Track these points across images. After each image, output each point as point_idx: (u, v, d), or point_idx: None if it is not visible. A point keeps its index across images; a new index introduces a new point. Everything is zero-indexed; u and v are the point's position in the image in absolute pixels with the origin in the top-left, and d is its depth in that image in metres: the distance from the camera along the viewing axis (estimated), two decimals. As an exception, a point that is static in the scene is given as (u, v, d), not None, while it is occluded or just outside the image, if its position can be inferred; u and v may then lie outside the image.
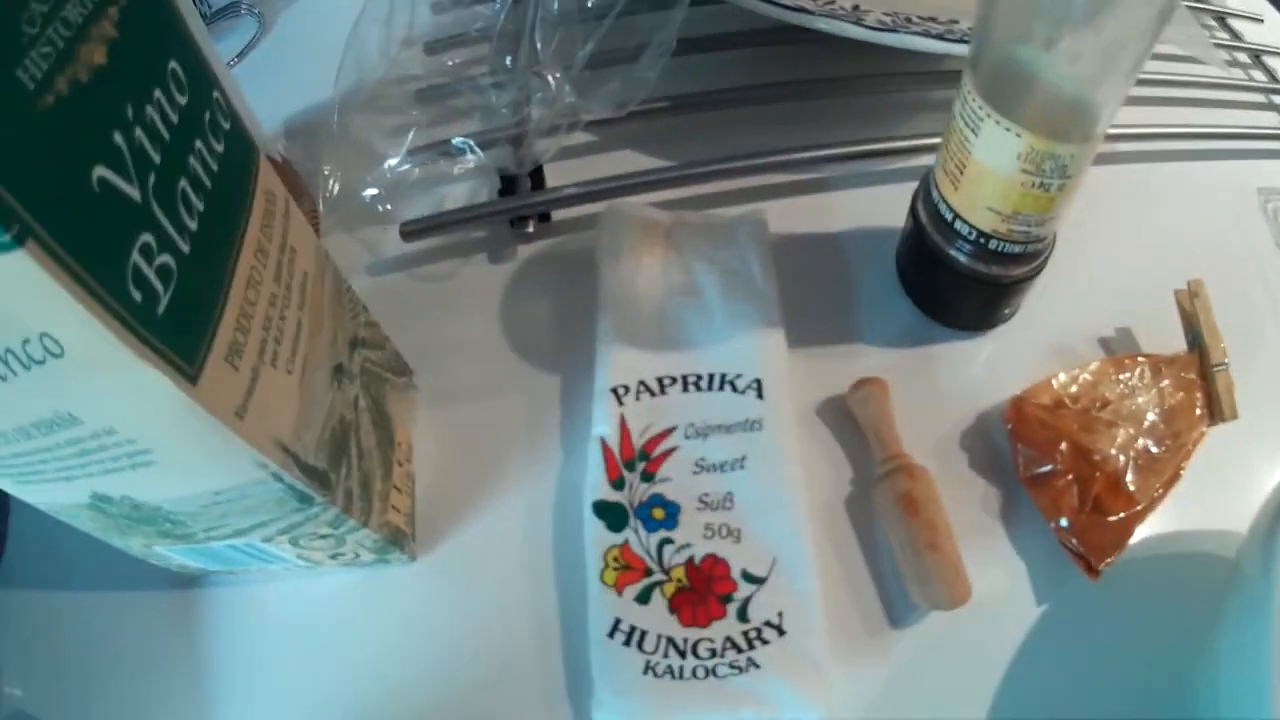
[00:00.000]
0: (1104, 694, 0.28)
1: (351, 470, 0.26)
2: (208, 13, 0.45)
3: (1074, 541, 0.29)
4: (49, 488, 0.21)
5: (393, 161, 0.37)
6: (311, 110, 0.41)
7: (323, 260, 0.26)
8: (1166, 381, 0.33)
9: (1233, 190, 0.41)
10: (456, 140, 0.36)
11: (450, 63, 0.40)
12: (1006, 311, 0.34)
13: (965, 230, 0.30)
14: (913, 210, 0.33)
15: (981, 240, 0.30)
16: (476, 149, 0.36)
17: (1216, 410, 0.33)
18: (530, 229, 0.35)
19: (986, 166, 0.28)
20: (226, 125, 0.21)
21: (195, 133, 0.19)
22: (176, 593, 0.28)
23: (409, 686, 0.27)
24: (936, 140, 0.31)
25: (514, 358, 0.33)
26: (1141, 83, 0.42)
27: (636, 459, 0.29)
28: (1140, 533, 0.31)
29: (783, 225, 0.35)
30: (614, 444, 0.29)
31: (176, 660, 0.27)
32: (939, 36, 0.33)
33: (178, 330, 0.17)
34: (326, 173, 0.37)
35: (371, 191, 0.36)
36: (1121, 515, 0.30)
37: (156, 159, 0.17)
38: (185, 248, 0.18)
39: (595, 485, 0.28)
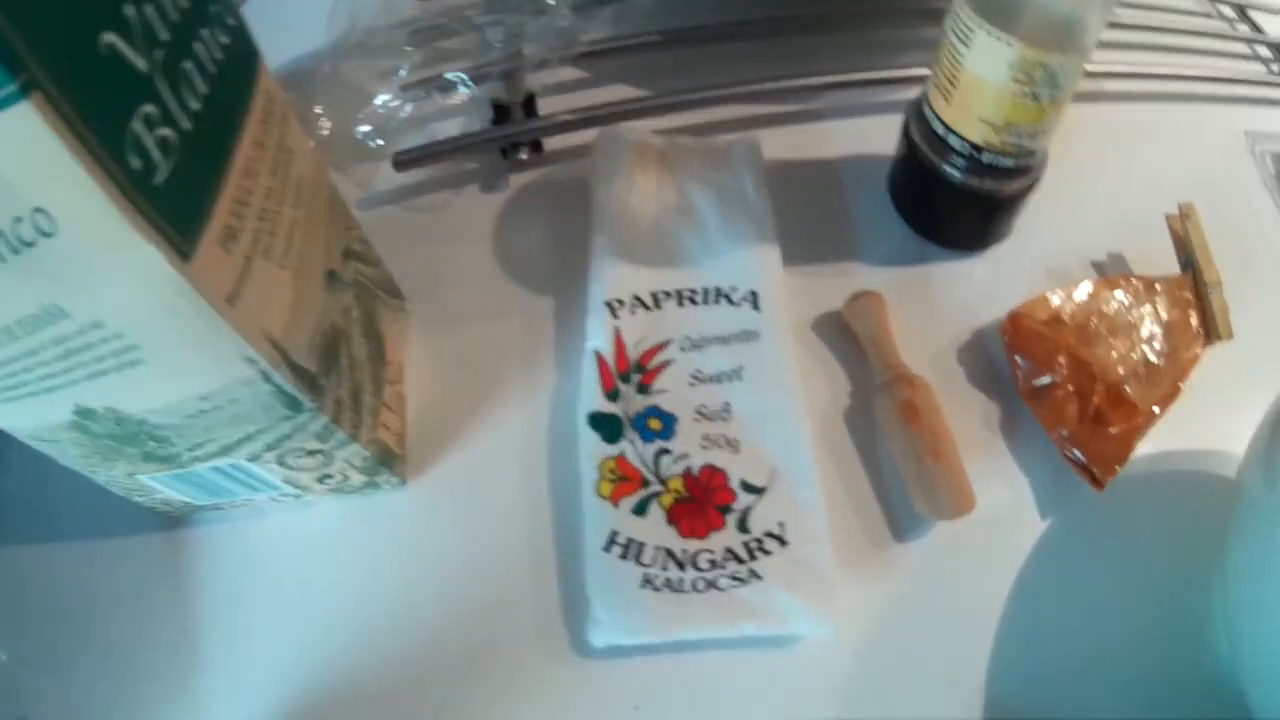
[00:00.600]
0: (1109, 608, 0.27)
1: (342, 379, 0.25)
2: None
3: (1076, 453, 0.29)
4: (31, 404, 0.20)
5: (385, 98, 0.36)
6: (305, 56, 0.41)
7: (320, 169, 0.26)
8: (1161, 301, 0.33)
9: (1221, 132, 0.42)
10: (449, 75, 0.36)
11: (445, 4, 0.40)
12: (1001, 229, 0.34)
13: (958, 144, 0.30)
14: (905, 131, 0.33)
15: (975, 153, 0.30)
16: (469, 82, 0.36)
17: (1212, 330, 0.33)
18: (523, 156, 0.35)
19: (979, 77, 0.28)
20: (231, 22, 0.21)
21: (201, 22, 0.19)
22: (163, 535, 0.27)
23: (405, 615, 0.26)
24: (925, 73, 0.31)
25: (507, 283, 0.33)
26: (1134, 28, 0.43)
27: (632, 371, 0.29)
28: (1140, 449, 0.30)
29: (776, 152, 0.35)
30: (609, 356, 0.29)
31: (165, 604, 0.26)
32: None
33: (173, 205, 0.17)
34: (319, 112, 0.36)
35: (364, 128, 0.36)
36: (1123, 427, 0.30)
37: (164, 37, 0.18)
38: (186, 125, 0.18)
39: (590, 397, 0.28)
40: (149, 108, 0.17)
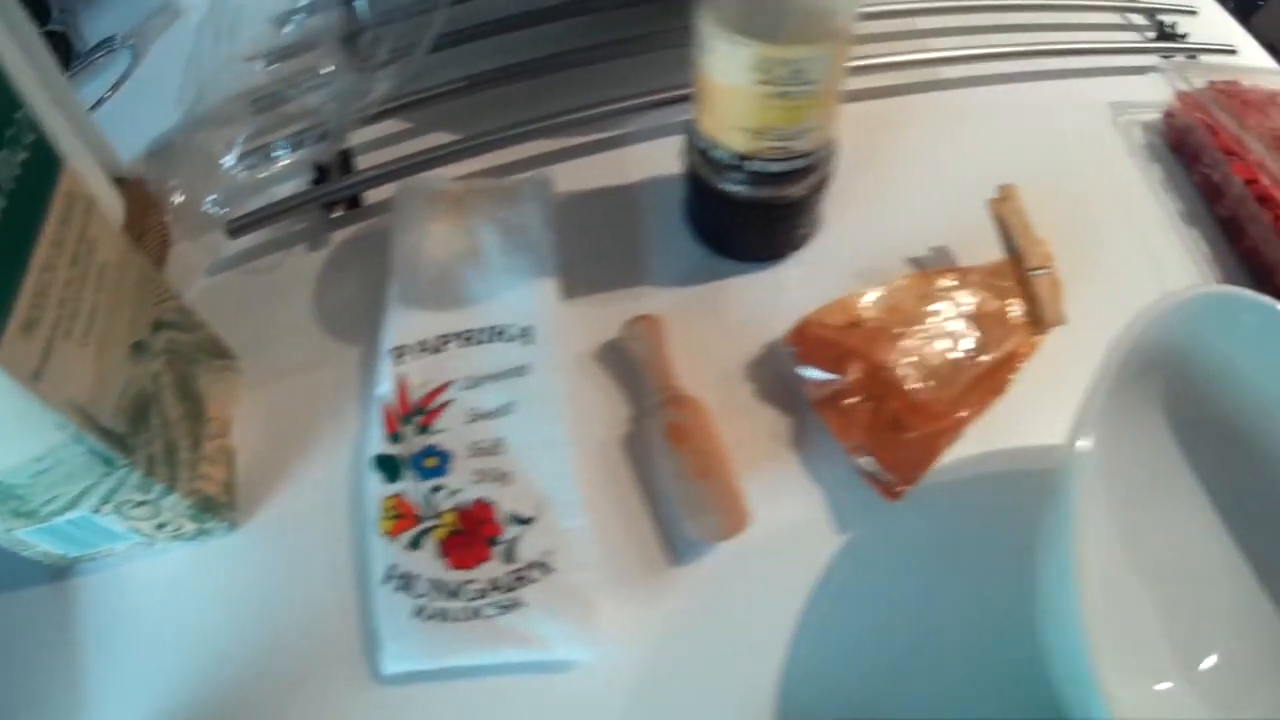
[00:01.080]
0: (917, 613, 0.26)
1: (154, 437, 0.27)
2: (84, 49, 0.49)
3: (870, 462, 0.27)
4: None
5: (228, 168, 0.38)
6: (169, 131, 0.43)
7: (125, 252, 0.28)
8: (978, 292, 0.31)
9: (1082, 107, 0.40)
10: (279, 141, 0.38)
11: (287, 72, 0.42)
12: (795, 236, 0.33)
13: (723, 156, 0.29)
14: (684, 150, 0.32)
15: (741, 163, 0.29)
16: (290, 146, 0.37)
17: (1040, 316, 0.31)
18: (339, 213, 0.36)
19: (723, 84, 0.27)
20: (29, 139, 0.23)
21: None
22: (50, 585, 0.29)
23: (238, 650, 0.27)
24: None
25: (325, 336, 0.34)
26: (992, 8, 0.42)
27: (413, 413, 0.30)
28: (961, 450, 0.29)
29: (575, 184, 0.35)
30: (392, 401, 0.30)
31: (51, 650, 0.28)
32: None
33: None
34: (172, 185, 0.39)
35: (212, 198, 0.38)
36: (925, 431, 0.28)
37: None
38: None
39: (375, 441, 0.29)
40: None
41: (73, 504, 0.26)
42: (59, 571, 0.30)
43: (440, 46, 0.40)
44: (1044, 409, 0.30)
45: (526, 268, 0.32)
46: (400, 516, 0.28)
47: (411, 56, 0.35)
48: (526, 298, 0.31)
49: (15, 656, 0.28)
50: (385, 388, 0.30)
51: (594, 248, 0.34)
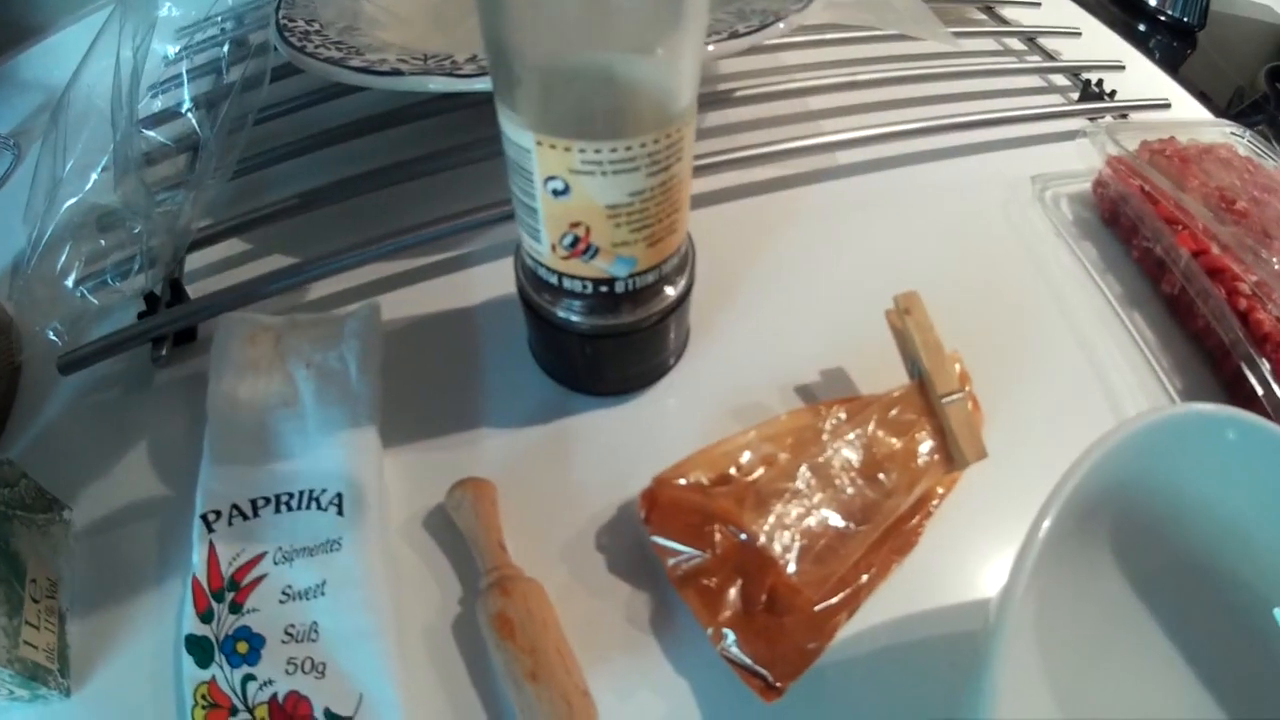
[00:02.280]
0: None
1: None
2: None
3: (740, 653, 0.22)
4: None
5: (66, 293, 0.35)
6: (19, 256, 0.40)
7: None
8: (878, 428, 0.26)
9: (1000, 184, 0.36)
10: (111, 265, 0.34)
11: (129, 188, 0.38)
12: (654, 365, 0.28)
13: (546, 275, 0.25)
14: (515, 268, 0.28)
15: (557, 282, 0.25)
16: (122, 274, 0.34)
17: (954, 453, 0.26)
18: (164, 352, 0.32)
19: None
20: None
21: None
22: None
23: None
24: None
25: (158, 484, 0.30)
26: (893, 82, 0.38)
27: (225, 589, 0.26)
28: (858, 621, 0.24)
29: (412, 310, 0.31)
30: (202, 574, 0.26)
31: None
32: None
33: None
34: (10, 308, 0.35)
35: (55, 326, 0.35)
36: (808, 614, 0.23)
37: None
38: None
39: (187, 618, 0.26)
40: None
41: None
42: None
43: (284, 157, 0.36)
44: (961, 560, 0.25)
45: (341, 422, 0.27)
46: (213, 706, 0.24)
47: (203, 177, 0.31)
48: (340, 459, 0.27)
49: None
50: (195, 558, 0.26)
51: (426, 388, 0.29)
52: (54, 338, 0.34)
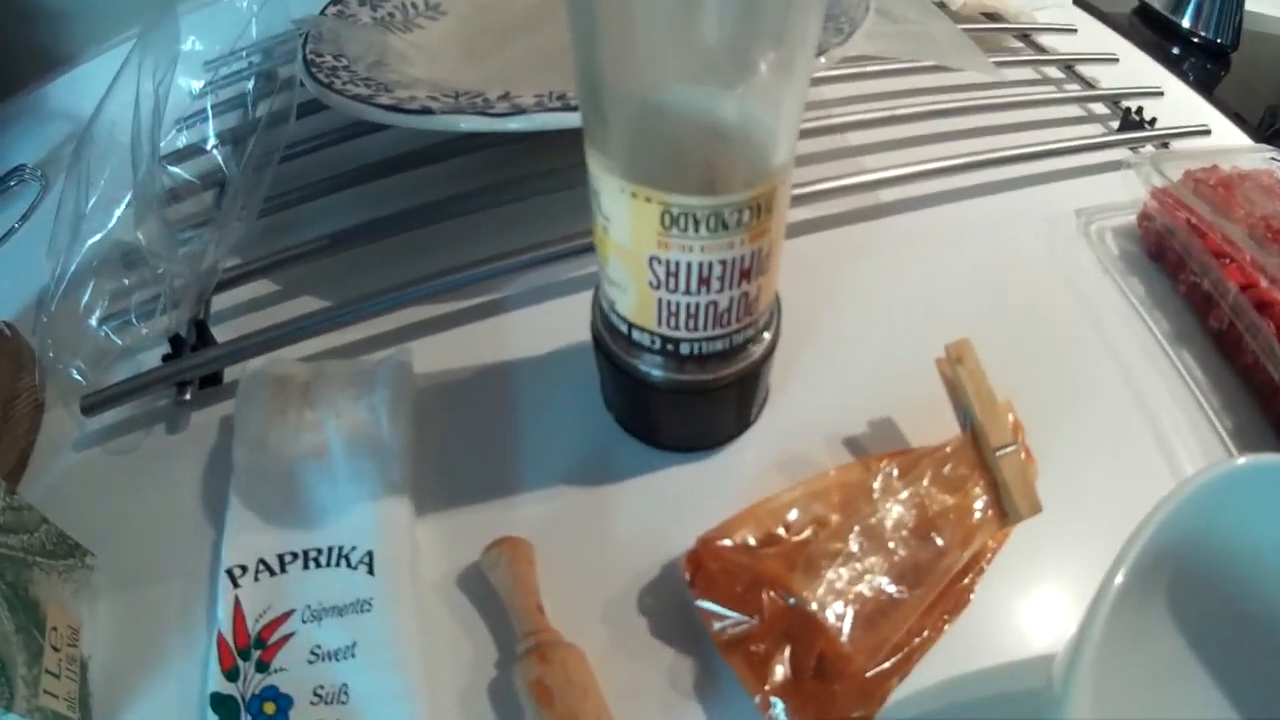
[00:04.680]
0: None
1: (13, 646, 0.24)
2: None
3: (793, 724, 0.21)
4: None
5: (90, 332, 0.34)
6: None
7: None
8: (930, 483, 0.25)
9: (1043, 218, 0.35)
10: (134, 306, 0.34)
11: (155, 225, 0.38)
12: (729, 421, 0.27)
13: (617, 323, 0.24)
14: (597, 318, 0.27)
15: (626, 331, 0.24)
16: (146, 314, 0.33)
17: (1009, 506, 0.25)
18: (188, 396, 0.32)
19: (622, 244, 0.22)
20: None
21: None
22: None
23: None
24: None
25: (182, 532, 0.29)
26: (932, 115, 0.37)
27: (251, 646, 0.25)
28: (910, 684, 0.23)
29: (446, 355, 0.30)
30: (228, 631, 0.26)
31: None
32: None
33: None
34: (41, 349, 0.34)
35: (79, 365, 0.34)
36: (859, 681, 0.22)
37: None
38: None
39: (213, 675, 0.25)
40: None
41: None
42: None
43: (311, 196, 0.36)
44: (1013, 616, 0.24)
45: (372, 477, 0.26)
46: None
47: (229, 216, 0.31)
48: (370, 514, 0.26)
49: None
50: (220, 614, 0.26)
51: (461, 440, 0.28)
52: (78, 376, 0.34)
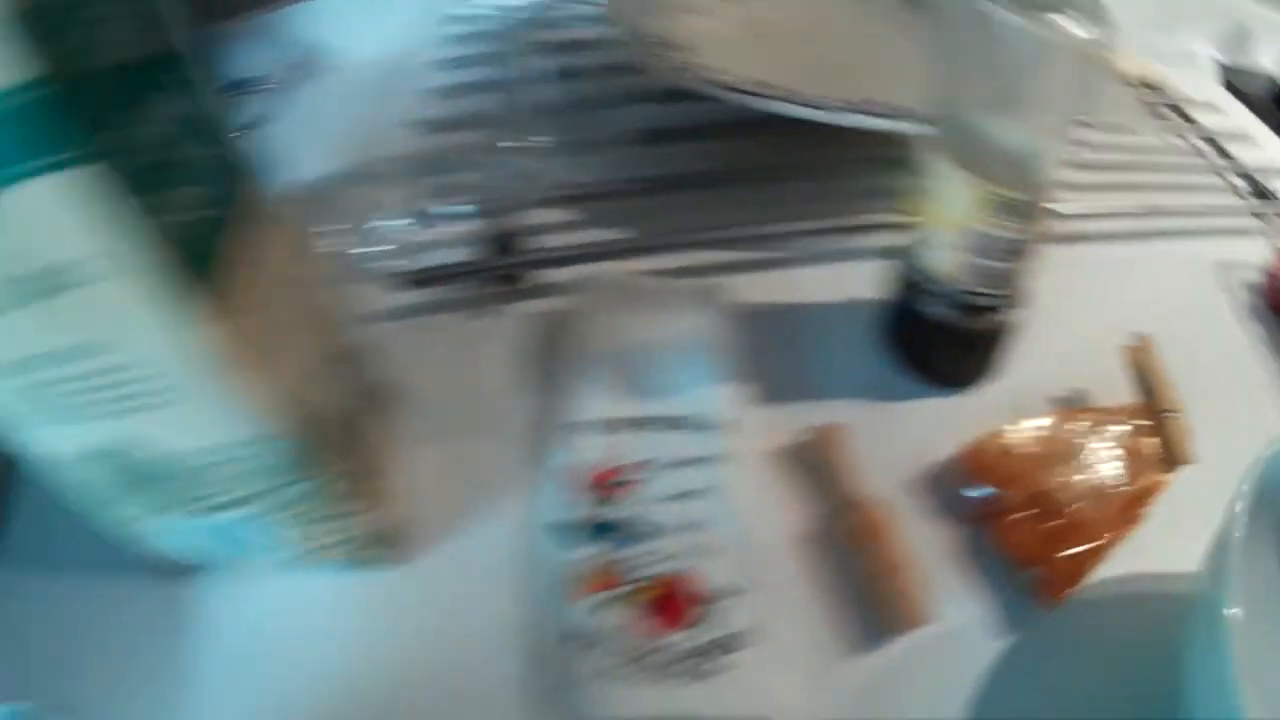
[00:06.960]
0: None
1: (345, 456, 0.28)
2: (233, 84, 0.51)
3: (1032, 574, 0.30)
4: (72, 428, 0.22)
5: (381, 226, 0.41)
6: (316, 180, 0.44)
7: (315, 276, 0.30)
8: (1118, 430, 0.34)
9: (1192, 265, 0.44)
10: (442, 210, 0.41)
11: (446, 144, 0.45)
12: (988, 366, 0.36)
13: (936, 286, 0.33)
14: (896, 275, 0.36)
15: (956, 291, 0.33)
16: (462, 217, 0.40)
17: (1172, 456, 0.34)
18: (515, 286, 0.39)
19: (953, 218, 0.31)
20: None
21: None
22: (157, 587, 0.29)
23: (379, 691, 0.28)
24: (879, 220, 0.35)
25: (495, 400, 0.36)
26: (1110, 168, 0.46)
27: (600, 486, 0.32)
28: (1103, 572, 0.31)
29: (749, 295, 0.39)
30: (579, 471, 0.32)
31: (158, 649, 0.28)
32: (882, 115, 0.37)
33: (200, 270, 0.20)
34: (318, 232, 0.40)
35: (361, 250, 0.40)
36: (1077, 551, 0.31)
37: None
38: (219, 213, 0.22)
39: (558, 508, 0.31)
40: (193, 189, 0.20)
41: (242, 503, 0.25)
42: (173, 573, 0.29)
43: (618, 144, 0.44)
44: (1176, 540, 0.32)
45: (707, 366, 0.35)
46: (588, 580, 0.29)
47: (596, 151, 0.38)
48: (707, 394, 0.34)
49: (116, 657, 0.28)
50: (572, 458, 0.32)
51: (776, 359, 0.37)
52: (361, 263, 0.40)
